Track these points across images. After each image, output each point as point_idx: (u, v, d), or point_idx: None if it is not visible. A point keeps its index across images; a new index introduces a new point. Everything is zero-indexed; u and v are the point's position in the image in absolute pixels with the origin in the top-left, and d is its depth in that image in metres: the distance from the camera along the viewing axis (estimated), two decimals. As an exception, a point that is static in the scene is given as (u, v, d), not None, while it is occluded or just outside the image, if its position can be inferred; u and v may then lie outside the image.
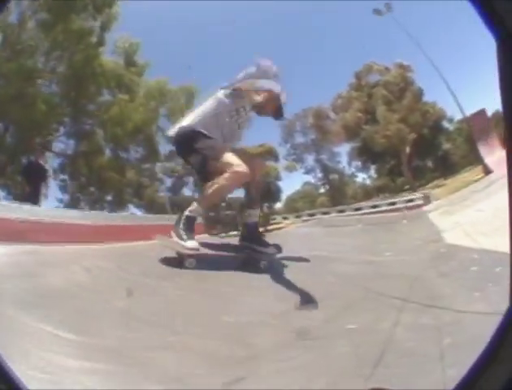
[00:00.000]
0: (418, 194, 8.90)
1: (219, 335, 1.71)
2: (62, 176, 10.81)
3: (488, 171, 8.25)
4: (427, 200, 8.56)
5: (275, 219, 11.82)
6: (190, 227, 2.43)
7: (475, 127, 8.75)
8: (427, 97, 12.06)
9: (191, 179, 12.92)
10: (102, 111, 10.16)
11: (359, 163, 13.90)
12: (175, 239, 2.43)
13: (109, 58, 10.29)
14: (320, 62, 13.30)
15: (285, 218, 11.51)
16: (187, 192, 13.28)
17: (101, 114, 10.12)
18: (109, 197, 10.21)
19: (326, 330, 1.84)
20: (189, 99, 10.42)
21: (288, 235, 9.65)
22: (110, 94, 10.43)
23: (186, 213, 2.43)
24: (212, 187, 2.38)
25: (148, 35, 9.95)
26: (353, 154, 13.66)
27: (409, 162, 12.12)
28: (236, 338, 1.70)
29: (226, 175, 2.33)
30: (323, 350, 1.63)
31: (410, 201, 8.87)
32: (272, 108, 2.73)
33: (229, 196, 3.16)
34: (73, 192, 10.72)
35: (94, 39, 9.90)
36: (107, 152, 10.89)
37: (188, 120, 2.56)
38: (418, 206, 8.30)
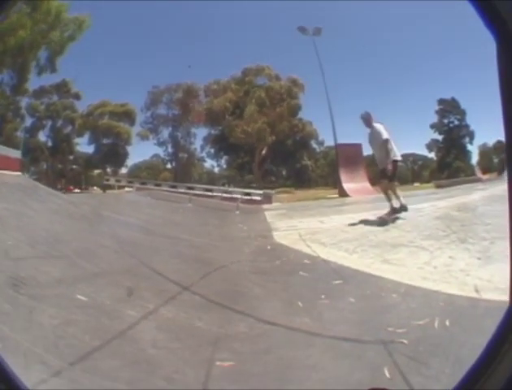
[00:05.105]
0: (258, 191, 9.51)
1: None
2: None
3: (343, 194, 9.69)
4: (268, 199, 9.27)
5: (108, 180, 10.78)
6: None
7: (343, 155, 10.11)
8: (310, 118, 13.33)
9: (49, 123, 12.90)
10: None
11: (212, 150, 14.15)
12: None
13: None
14: (215, 48, 12.85)
15: (118, 181, 10.93)
16: (42, 136, 12.89)
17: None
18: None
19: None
20: (75, 32, 10.06)
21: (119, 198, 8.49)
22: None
23: None
24: None
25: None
26: (209, 140, 13.88)
27: (261, 163, 13.05)
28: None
29: None
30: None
31: (248, 194, 9.44)
32: None
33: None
34: None
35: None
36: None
37: None
38: (256, 202, 8.85)
